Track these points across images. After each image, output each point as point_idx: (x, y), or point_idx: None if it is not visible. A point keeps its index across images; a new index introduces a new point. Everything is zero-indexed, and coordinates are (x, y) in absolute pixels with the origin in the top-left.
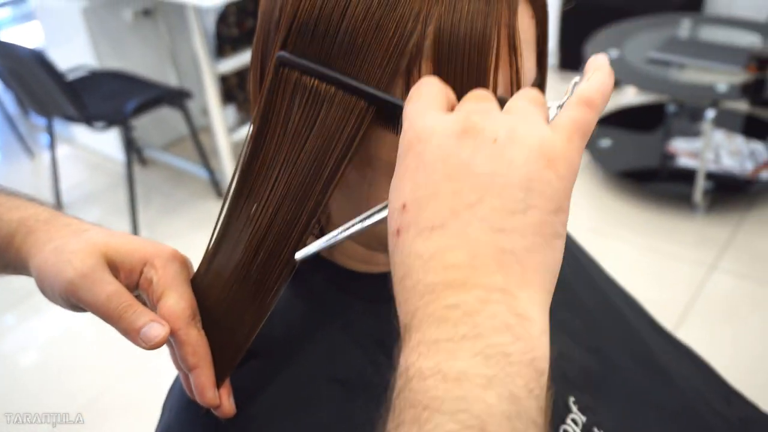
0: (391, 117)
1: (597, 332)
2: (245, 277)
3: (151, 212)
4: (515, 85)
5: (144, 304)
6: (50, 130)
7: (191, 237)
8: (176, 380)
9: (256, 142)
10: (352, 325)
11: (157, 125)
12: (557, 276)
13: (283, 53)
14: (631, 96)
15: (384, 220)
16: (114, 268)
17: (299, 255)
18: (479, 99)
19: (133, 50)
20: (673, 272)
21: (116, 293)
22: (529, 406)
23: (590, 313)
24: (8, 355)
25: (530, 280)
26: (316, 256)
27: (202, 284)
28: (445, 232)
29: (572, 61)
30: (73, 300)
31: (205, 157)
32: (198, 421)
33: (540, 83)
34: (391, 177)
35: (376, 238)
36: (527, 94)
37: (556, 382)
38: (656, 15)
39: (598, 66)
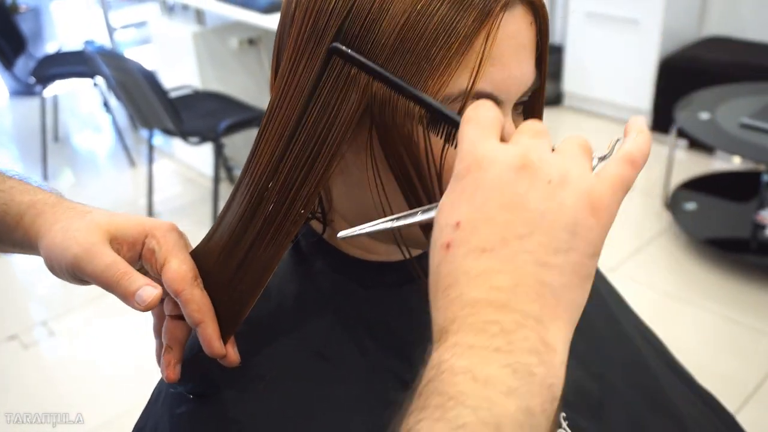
0: (435, 123)
1: (603, 359)
2: (241, 241)
3: None
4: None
5: (147, 274)
6: (150, 143)
7: None
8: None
9: (269, 114)
10: (343, 309)
11: (249, 148)
12: (581, 313)
13: (336, 44)
14: (724, 162)
15: (423, 224)
16: (117, 243)
17: (341, 234)
18: (535, 135)
19: (234, 75)
20: (751, 346)
21: (114, 263)
22: (539, 423)
23: (599, 339)
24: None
25: (561, 315)
26: (320, 241)
27: (203, 252)
28: (494, 256)
29: (665, 123)
30: (77, 273)
31: None
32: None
33: (539, 87)
34: (382, 165)
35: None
36: (577, 140)
37: None
38: (757, 81)
39: (639, 129)
